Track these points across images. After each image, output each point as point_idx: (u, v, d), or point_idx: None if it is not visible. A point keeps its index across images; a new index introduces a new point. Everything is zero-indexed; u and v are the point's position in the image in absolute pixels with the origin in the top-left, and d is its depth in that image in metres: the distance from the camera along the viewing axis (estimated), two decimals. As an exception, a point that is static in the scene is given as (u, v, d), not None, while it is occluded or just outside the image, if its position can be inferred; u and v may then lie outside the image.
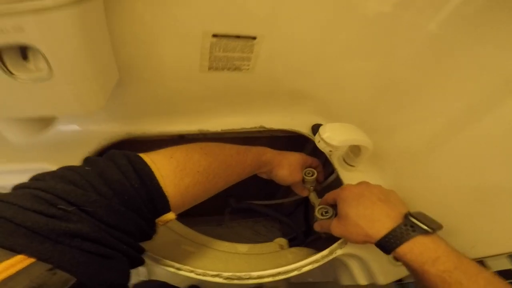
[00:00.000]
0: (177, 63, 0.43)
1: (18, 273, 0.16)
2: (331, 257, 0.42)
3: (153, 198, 0.27)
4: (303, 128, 0.61)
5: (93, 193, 0.22)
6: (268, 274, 0.37)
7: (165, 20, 0.37)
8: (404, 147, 0.48)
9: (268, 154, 0.49)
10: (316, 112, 0.61)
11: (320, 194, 0.55)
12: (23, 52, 0.28)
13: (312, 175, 0.56)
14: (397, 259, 0.34)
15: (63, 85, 0.30)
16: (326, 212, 0.47)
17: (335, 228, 0.40)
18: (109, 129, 0.52)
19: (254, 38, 0.43)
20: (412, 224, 0.33)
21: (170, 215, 0.29)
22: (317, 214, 0.47)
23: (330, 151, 0.44)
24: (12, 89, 0.28)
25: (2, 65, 0.27)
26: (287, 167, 0.51)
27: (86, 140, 0.50)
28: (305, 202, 0.69)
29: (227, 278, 0.36)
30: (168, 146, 0.62)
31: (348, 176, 0.55)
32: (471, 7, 0.33)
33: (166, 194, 0.28)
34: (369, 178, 0.52)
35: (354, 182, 0.51)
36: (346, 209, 0.38)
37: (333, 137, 0.42)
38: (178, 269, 0.36)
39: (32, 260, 0.17)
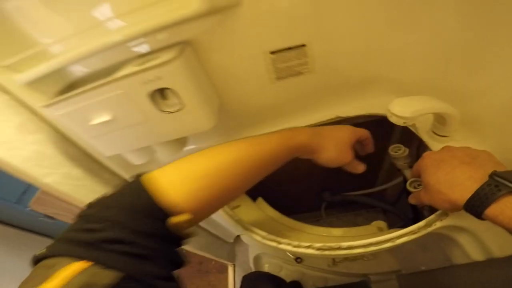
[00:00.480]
0: (252, 81, 0.54)
1: (82, 272, 0.23)
2: (429, 229, 0.41)
3: (150, 207, 0.30)
4: (380, 109, 0.61)
5: (115, 209, 0.29)
6: (359, 244, 0.41)
7: (234, 54, 0.49)
8: (500, 105, 0.42)
9: (301, 136, 0.43)
10: (390, 92, 0.60)
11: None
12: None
13: (399, 151, 0.55)
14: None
15: (190, 112, 0.44)
16: (419, 185, 0.46)
17: (423, 198, 0.40)
18: (217, 143, 0.67)
19: (303, 45, 0.49)
20: (498, 183, 0.30)
21: (182, 217, 0.31)
22: (409, 187, 0.47)
23: (405, 122, 0.44)
24: (162, 121, 0.45)
25: (155, 105, 0.43)
26: (332, 149, 0.44)
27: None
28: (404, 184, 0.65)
29: (318, 249, 0.41)
30: None
31: (440, 147, 0.51)
32: None
33: (171, 202, 0.30)
34: (465, 145, 0.48)
35: (449, 152, 0.48)
36: (427, 178, 0.38)
37: (403, 110, 0.43)
38: (278, 242, 0.44)
39: (90, 263, 0.24)
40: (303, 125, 0.64)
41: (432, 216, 0.42)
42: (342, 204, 0.98)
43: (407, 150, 0.54)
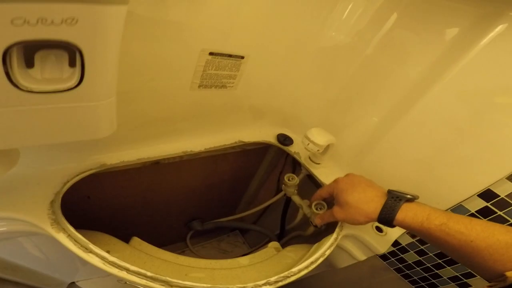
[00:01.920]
0: (170, 79, 0.42)
1: None
2: (338, 239, 0.49)
3: None
4: (270, 138, 0.67)
5: None
6: (305, 266, 0.40)
7: (171, 40, 0.36)
8: (352, 143, 0.61)
9: None
10: (277, 124, 0.69)
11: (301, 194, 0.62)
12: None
13: (293, 180, 0.61)
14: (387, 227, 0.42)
15: (87, 100, 0.25)
16: (321, 207, 0.53)
17: (339, 214, 0.45)
18: (77, 163, 0.44)
19: (242, 57, 0.46)
20: (396, 196, 0.40)
21: None
22: (313, 209, 0.53)
23: (318, 150, 0.51)
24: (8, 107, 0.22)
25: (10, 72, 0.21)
26: None
27: (50, 179, 0.40)
28: (284, 207, 0.73)
29: (274, 282, 0.37)
30: (141, 174, 0.56)
31: (317, 172, 0.64)
32: (395, 32, 0.49)
33: None
34: (333, 171, 0.63)
35: (324, 176, 0.61)
36: (346, 197, 0.44)
37: (320, 138, 0.50)
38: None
39: None
40: (205, 148, 0.57)
41: (337, 229, 0.50)
42: (204, 232, 0.92)
43: (298, 180, 0.62)
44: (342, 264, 0.58)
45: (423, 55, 0.48)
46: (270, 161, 0.81)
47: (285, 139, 0.68)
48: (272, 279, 0.36)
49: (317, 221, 0.51)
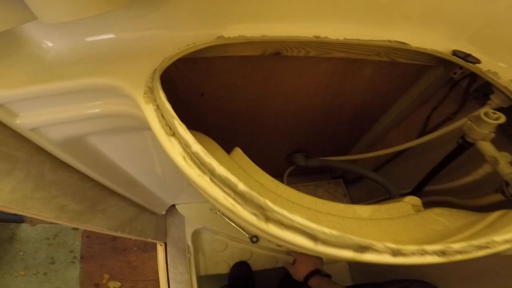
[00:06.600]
0: None
1: None
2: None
3: None
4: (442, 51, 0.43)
5: None
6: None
7: None
8: None
9: None
10: (455, 37, 0.43)
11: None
12: None
13: (497, 117, 0.37)
14: None
15: None
16: None
17: None
18: (191, 31, 0.37)
19: None
20: None
21: None
22: None
23: None
24: None
25: None
26: None
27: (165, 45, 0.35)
28: (449, 156, 0.49)
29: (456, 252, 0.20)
30: (258, 69, 0.46)
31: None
32: None
33: None
34: None
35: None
36: None
37: None
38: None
39: None
40: (344, 37, 0.39)
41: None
42: (304, 171, 0.81)
43: (504, 119, 0.38)
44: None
45: None
46: (423, 91, 0.56)
47: (466, 56, 0.43)
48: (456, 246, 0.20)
49: None
